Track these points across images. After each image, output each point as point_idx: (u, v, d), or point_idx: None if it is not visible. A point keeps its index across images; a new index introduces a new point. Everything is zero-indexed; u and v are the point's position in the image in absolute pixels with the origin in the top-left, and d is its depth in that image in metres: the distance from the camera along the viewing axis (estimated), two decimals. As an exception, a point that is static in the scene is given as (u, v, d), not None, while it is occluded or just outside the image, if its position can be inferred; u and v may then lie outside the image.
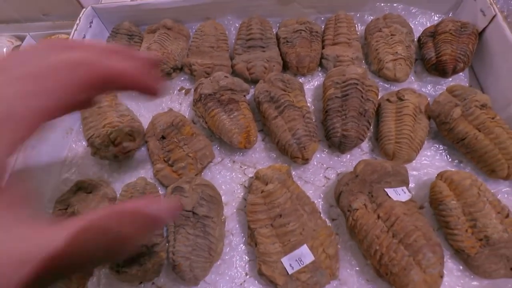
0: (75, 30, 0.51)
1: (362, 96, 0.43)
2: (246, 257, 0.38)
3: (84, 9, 0.53)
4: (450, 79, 0.49)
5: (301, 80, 0.52)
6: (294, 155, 0.41)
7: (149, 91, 0.21)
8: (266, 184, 0.38)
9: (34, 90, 0.15)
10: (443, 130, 0.43)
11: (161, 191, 0.43)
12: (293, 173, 0.43)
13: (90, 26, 0.54)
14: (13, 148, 0.14)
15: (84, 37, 0.52)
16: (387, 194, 0.36)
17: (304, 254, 0.34)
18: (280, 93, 0.43)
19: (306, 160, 0.41)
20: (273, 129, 0.42)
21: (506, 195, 0.41)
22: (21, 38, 0.58)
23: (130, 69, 0.19)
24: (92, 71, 0.17)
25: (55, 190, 0.43)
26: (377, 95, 0.45)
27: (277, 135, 0.42)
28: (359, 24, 0.56)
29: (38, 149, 0.44)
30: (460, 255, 0.36)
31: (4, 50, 0.56)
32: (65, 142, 0.48)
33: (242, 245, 0.39)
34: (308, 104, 0.49)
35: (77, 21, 0.52)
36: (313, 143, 0.41)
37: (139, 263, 0.35)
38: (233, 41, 0.54)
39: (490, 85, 0.48)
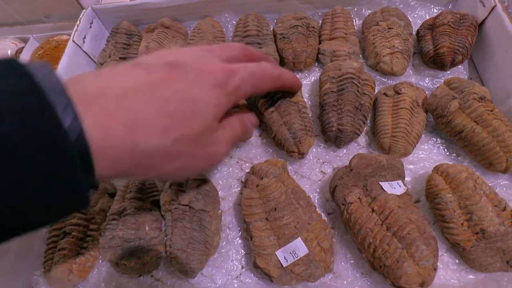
0: (76, 31, 0.52)
1: (358, 91, 0.43)
2: (242, 251, 0.39)
3: (84, 10, 0.54)
4: (449, 72, 0.49)
5: (298, 75, 0.52)
6: (290, 150, 0.41)
7: (298, 87, 0.40)
8: (262, 179, 0.38)
9: (253, 83, 0.28)
10: (440, 124, 0.43)
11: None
12: (289, 167, 0.43)
13: (90, 27, 0.55)
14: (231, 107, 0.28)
15: (85, 37, 0.53)
16: (382, 188, 0.36)
17: (298, 247, 0.34)
18: None
19: (302, 155, 0.42)
20: (269, 124, 0.43)
21: (504, 188, 0.40)
22: (25, 40, 0.60)
23: (293, 76, 0.37)
24: (280, 82, 0.33)
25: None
26: (373, 89, 0.45)
27: (273, 130, 0.42)
28: (356, 19, 0.56)
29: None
30: (456, 248, 0.36)
31: (9, 52, 0.58)
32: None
33: (238, 239, 0.40)
34: (305, 100, 0.49)
35: (78, 22, 0.53)
36: (309, 138, 0.41)
37: (137, 256, 0.36)
38: (230, 38, 0.55)
39: (489, 77, 0.48)
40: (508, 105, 0.43)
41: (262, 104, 0.43)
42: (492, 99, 0.43)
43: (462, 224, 0.35)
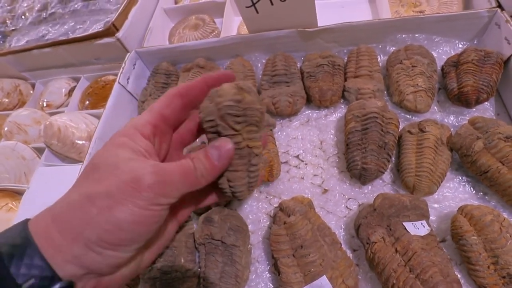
0: (121, 73, 0.58)
1: (382, 130, 0.45)
2: (271, 284, 0.41)
3: (129, 53, 0.61)
4: (474, 109, 0.49)
5: (324, 112, 0.54)
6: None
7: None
8: (289, 216, 0.41)
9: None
10: (465, 162, 0.43)
11: (193, 219, 0.47)
12: (315, 203, 0.45)
13: (134, 68, 0.61)
14: None
15: (129, 78, 0.59)
16: (405, 228, 0.38)
17: (324, 285, 0.36)
18: (228, 133, 0.28)
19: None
20: None
21: (534, 230, 0.40)
22: (77, 80, 0.67)
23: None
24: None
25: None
26: (397, 127, 0.47)
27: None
28: (381, 55, 0.58)
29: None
30: (483, 291, 0.36)
31: (63, 90, 0.65)
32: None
33: (267, 272, 0.42)
34: (331, 136, 0.52)
35: (123, 64, 0.59)
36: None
37: (173, 286, 0.39)
38: (260, 76, 0.58)
39: (517, 114, 0.48)
40: (537, 143, 0.43)
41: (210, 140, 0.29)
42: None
43: (489, 267, 0.36)
